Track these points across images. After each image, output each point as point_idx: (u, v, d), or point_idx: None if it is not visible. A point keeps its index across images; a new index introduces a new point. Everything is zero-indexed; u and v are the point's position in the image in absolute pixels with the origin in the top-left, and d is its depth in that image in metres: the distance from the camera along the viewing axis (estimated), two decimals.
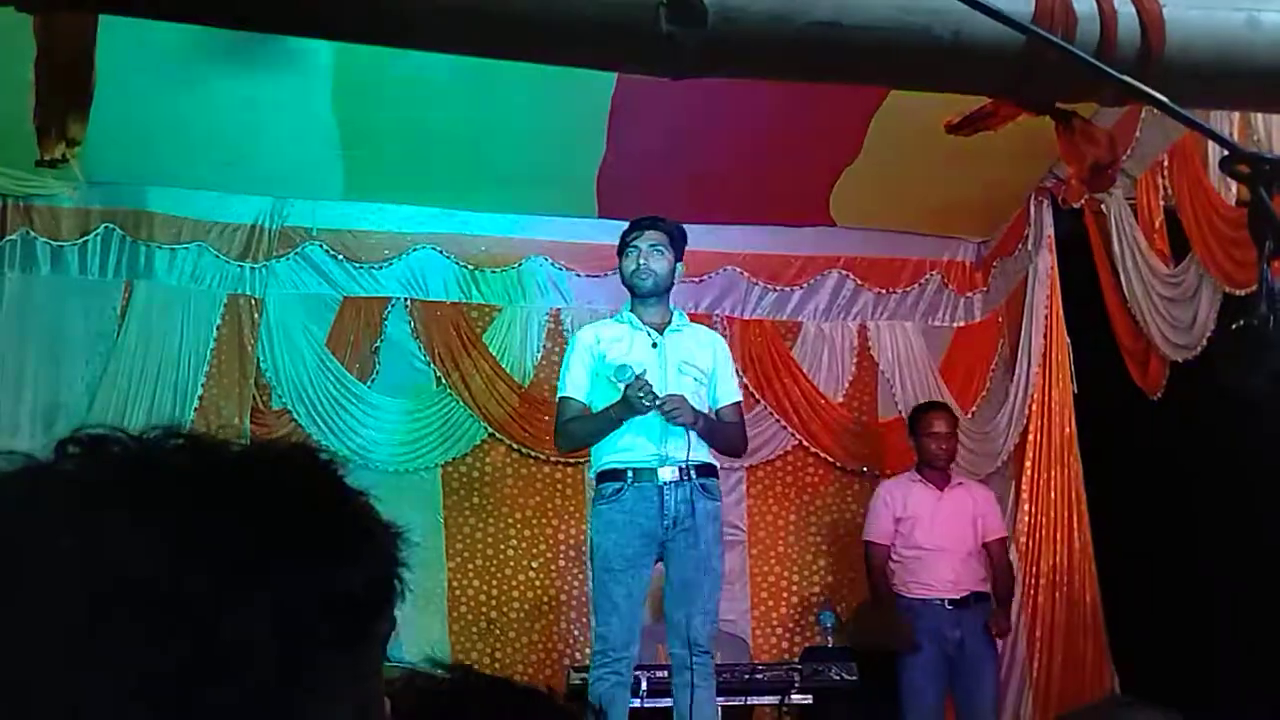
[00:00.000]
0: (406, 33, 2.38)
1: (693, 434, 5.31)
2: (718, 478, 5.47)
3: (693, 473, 5.28)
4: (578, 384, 5.52)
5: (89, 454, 0.84)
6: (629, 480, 5.27)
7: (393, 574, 0.91)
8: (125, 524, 0.79)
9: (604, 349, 5.46)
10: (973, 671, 6.53)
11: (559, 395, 5.63)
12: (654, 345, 5.43)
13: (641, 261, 5.46)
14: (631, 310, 5.56)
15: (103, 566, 0.77)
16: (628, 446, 5.30)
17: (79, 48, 2.42)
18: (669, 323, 5.55)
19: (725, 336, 7.57)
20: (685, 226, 7.39)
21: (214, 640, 0.78)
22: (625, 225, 5.76)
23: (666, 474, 5.26)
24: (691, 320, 5.98)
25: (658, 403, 5.20)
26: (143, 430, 0.87)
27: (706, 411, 5.48)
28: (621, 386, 5.23)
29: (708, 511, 5.30)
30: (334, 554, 0.86)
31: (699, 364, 5.51)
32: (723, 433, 5.53)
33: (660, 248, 5.51)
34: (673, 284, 5.60)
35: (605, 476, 5.37)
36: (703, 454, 5.38)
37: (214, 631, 0.78)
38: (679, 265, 5.60)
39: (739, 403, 5.70)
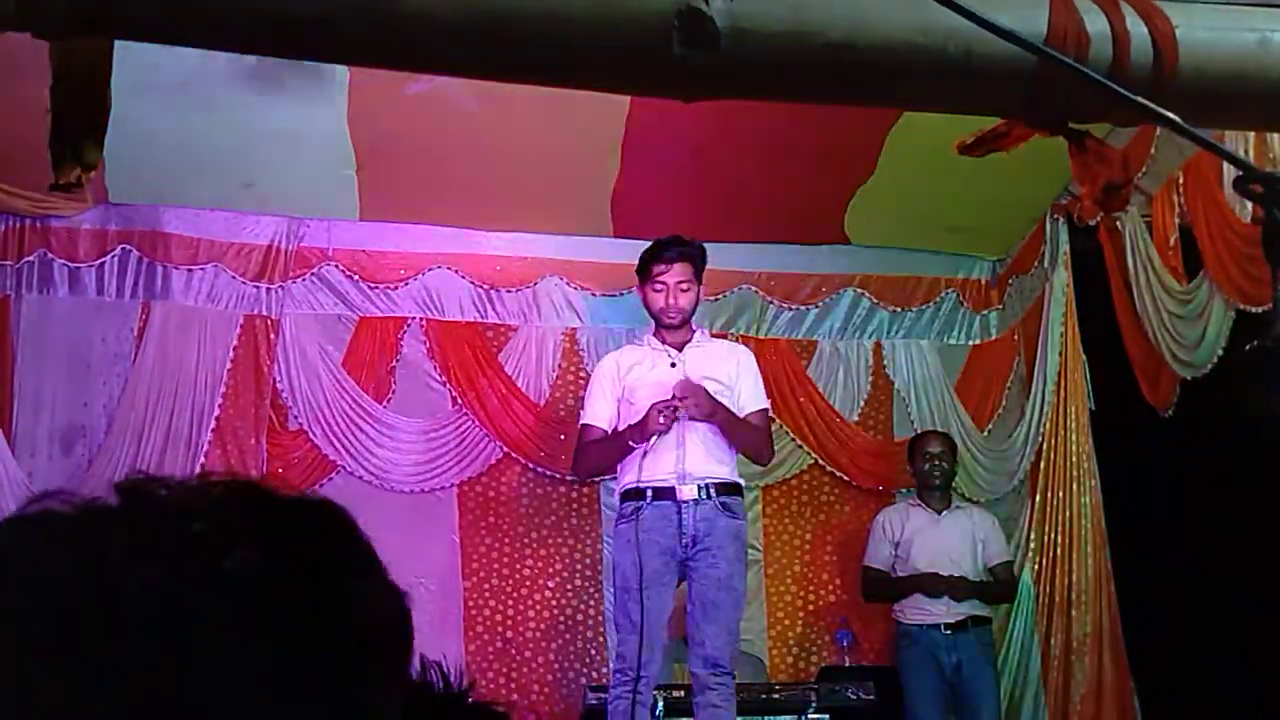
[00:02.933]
0: (420, 56, 2.40)
1: (711, 451, 5.31)
2: (741, 495, 5.45)
3: (712, 490, 5.28)
4: (599, 413, 5.54)
5: (132, 499, 0.85)
6: (648, 499, 5.27)
7: (409, 622, 0.93)
8: (168, 572, 0.81)
9: (625, 374, 5.48)
10: (973, 696, 6.52)
11: (580, 423, 5.66)
12: (673, 365, 5.44)
13: (671, 300, 5.48)
14: (654, 334, 5.60)
15: (150, 609, 0.78)
16: (648, 466, 5.30)
17: (94, 73, 2.44)
18: (689, 341, 5.56)
19: None
20: None
21: (253, 687, 0.79)
22: (641, 244, 5.77)
23: (686, 492, 5.26)
24: (717, 338, 6.02)
25: (674, 415, 5.24)
26: (185, 477, 0.88)
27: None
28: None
29: (729, 530, 5.29)
30: (363, 605, 0.87)
31: (720, 377, 5.51)
32: (745, 430, 5.51)
33: (687, 282, 5.52)
34: (695, 309, 5.65)
35: (626, 496, 5.39)
36: (724, 471, 5.37)
37: (253, 678, 0.79)
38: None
39: (765, 409, 5.72)
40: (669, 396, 5.34)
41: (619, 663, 5.24)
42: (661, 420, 5.22)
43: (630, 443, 5.33)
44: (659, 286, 5.50)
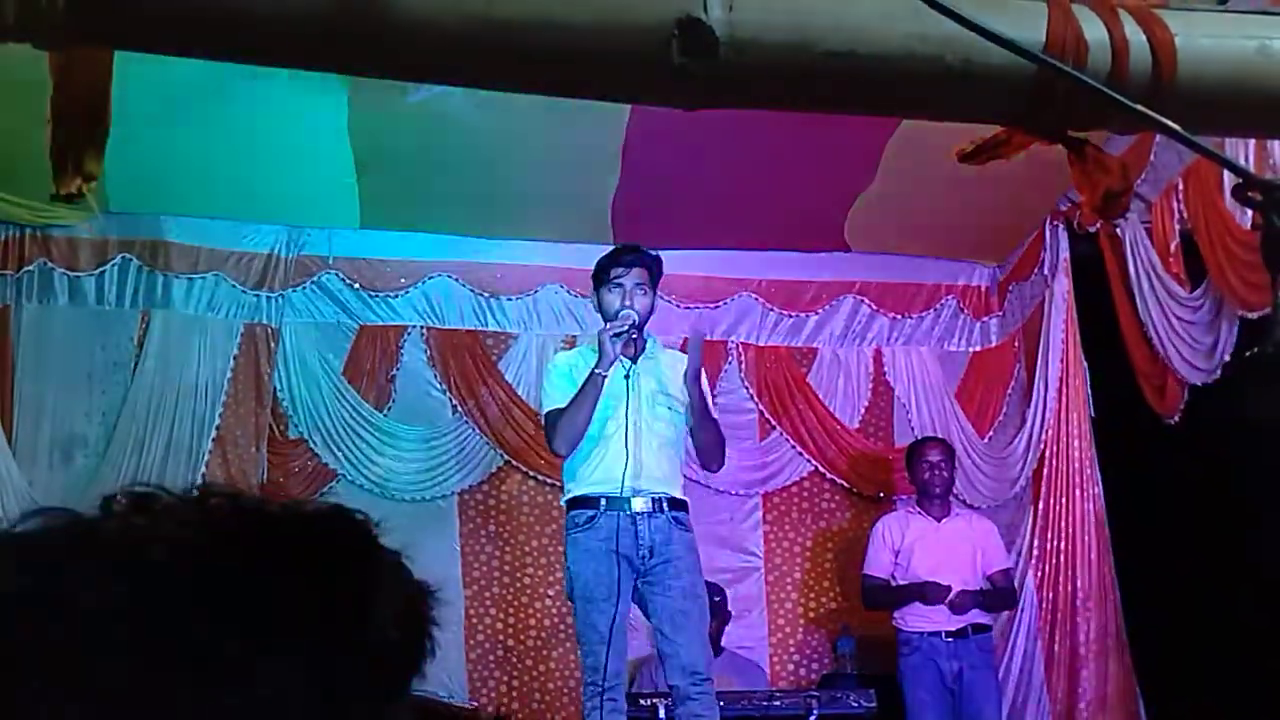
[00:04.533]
0: (420, 66, 2.40)
1: (663, 467, 5.29)
2: (688, 511, 5.43)
3: (664, 505, 5.27)
4: (564, 396, 5.47)
5: (133, 511, 0.85)
6: (601, 508, 5.25)
7: (423, 632, 0.92)
8: (167, 586, 0.80)
9: (578, 378, 5.45)
10: (974, 703, 6.52)
11: (545, 414, 5.59)
12: (626, 376, 5.41)
13: (627, 302, 5.43)
14: (598, 365, 5.50)
15: (145, 624, 0.78)
16: (600, 479, 5.29)
17: (95, 83, 2.44)
18: (642, 351, 5.52)
19: (741, 363, 7.60)
20: (700, 253, 7.41)
21: (251, 697, 0.79)
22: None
23: (639, 504, 5.24)
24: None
25: (631, 334, 5.27)
26: (185, 488, 0.88)
27: (684, 433, 5.47)
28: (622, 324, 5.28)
29: (684, 541, 5.28)
30: (368, 614, 0.86)
31: (673, 391, 5.48)
32: (712, 421, 5.47)
33: (644, 286, 5.49)
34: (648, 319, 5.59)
35: (576, 504, 5.35)
36: (674, 489, 5.35)
37: (251, 688, 0.79)
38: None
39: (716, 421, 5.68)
40: (633, 407, 5.34)
41: (591, 674, 5.19)
42: (614, 336, 5.24)
43: (596, 370, 5.32)
44: (615, 289, 5.48)
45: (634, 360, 5.46)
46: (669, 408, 5.43)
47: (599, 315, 5.56)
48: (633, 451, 5.26)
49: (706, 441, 5.49)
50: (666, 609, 5.20)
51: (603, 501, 5.26)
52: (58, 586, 0.79)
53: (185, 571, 0.81)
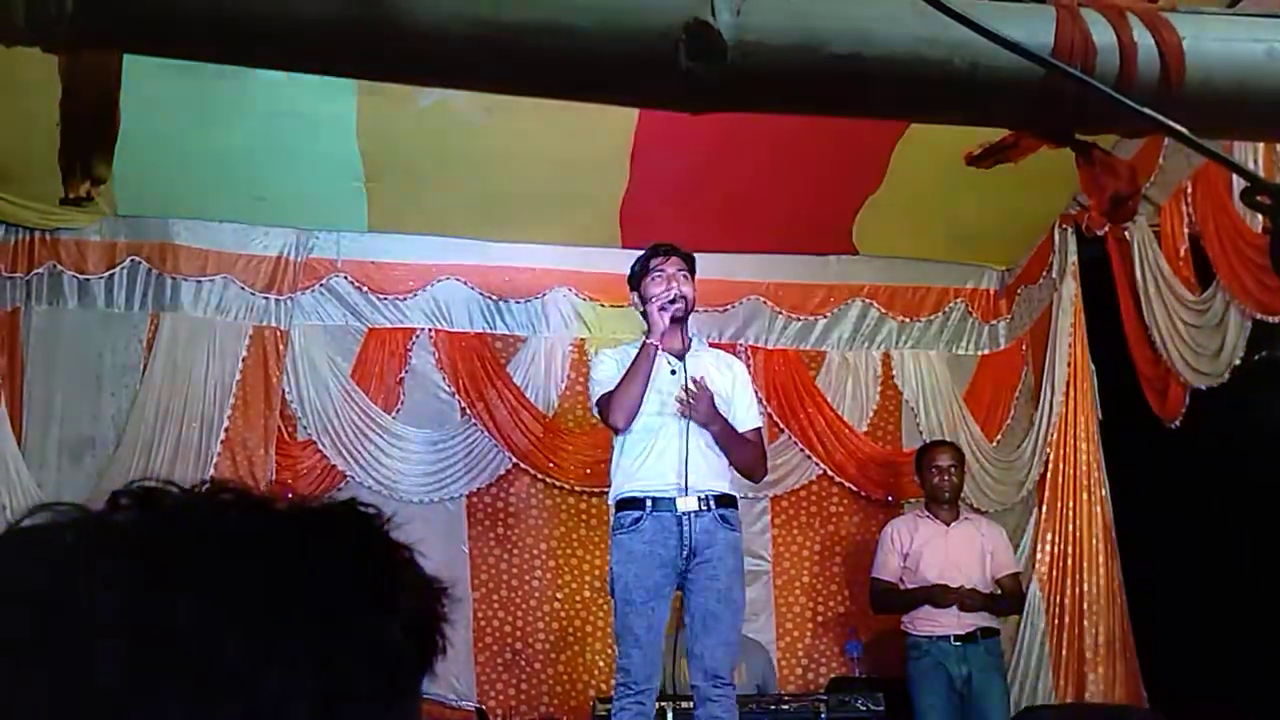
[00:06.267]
0: (428, 70, 2.40)
1: (712, 463, 5.29)
2: (737, 508, 5.43)
3: (712, 503, 5.26)
4: (612, 380, 5.45)
5: (140, 507, 0.84)
6: (648, 509, 5.24)
7: (434, 629, 0.91)
8: (173, 581, 0.80)
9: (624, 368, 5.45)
10: (982, 707, 6.51)
11: (596, 400, 5.56)
12: (673, 371, 5.41)
13: (673, 285, 5.43)
14: (649, 336, 5.50)
15: (149, 624, 0.78)
16: (647, 474, 5.28)
17: (104, 87, 2.44)
18: (688, 348, 5.52)
19: (749, 366, 7.59)
20: (709, 256, 7.40)
21: (254, 699, 0.78)
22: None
23: (686, 504, 5.23)
24: (714, 348, 5.99)
25: (675, 306, 5.31)
26: (193, 485, 0.87)
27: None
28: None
29: (728, 542, 5.27)
30: (377, 610, 0.86)
31: (719, 388, 5.48)
32: (742, 445, 5.47)
33: (685, 273, 5.50)
34: (691, 310, 5.59)
35: (624, 505, 5.34)
36: (723, 485, 5.35)
37: (255, 690, 0.78)
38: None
39: (759, 429, 5.67)
40: (680, 394, 5.33)
41: (622, 675, 5.21)
42: (661, 308, 5.28)
43: (648, 341, 5.33)
44: (658, 275, 5.48)
45: (680, 357, 5.46)
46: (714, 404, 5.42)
47: (643, 314, 5.55)
48: (679, 449, 5.26)
49: (736, 462, 5.48)
50: (700, 609, 5.21)
51: (649, 502, 5.25)
52: (57, 586, 0.79)
53: (189, 571, 0.80)
